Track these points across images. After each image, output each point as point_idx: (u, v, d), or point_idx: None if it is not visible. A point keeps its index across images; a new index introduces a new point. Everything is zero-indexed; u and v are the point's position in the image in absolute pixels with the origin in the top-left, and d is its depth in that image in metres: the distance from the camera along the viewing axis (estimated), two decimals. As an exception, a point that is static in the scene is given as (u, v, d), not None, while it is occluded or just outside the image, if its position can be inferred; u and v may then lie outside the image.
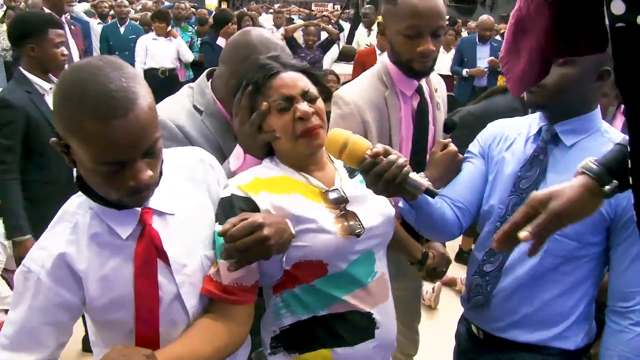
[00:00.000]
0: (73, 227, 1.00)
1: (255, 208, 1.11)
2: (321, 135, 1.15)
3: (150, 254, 1.01)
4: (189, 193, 1.11)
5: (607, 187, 0.94)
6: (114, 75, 0.87)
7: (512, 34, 0.71)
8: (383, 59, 1.61)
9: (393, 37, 1.52)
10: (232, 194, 1.13)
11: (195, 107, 1.40)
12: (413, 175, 1.08)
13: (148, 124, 0.90)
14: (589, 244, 1.24)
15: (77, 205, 1.02)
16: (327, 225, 1.12)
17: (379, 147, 1.07)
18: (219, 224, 1.10)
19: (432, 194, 1.09)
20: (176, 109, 1.39)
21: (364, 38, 6.72)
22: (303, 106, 1.13)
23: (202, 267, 1.08)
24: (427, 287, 3.17)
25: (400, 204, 1.32)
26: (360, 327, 1.17)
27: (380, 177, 1.05)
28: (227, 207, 1.12)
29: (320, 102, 1.18)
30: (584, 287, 1.29)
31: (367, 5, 7.47)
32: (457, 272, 3.08)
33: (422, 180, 1.09)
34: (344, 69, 5.59)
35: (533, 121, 1.39)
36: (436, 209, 1.32)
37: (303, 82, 1.17)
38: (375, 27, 6.42)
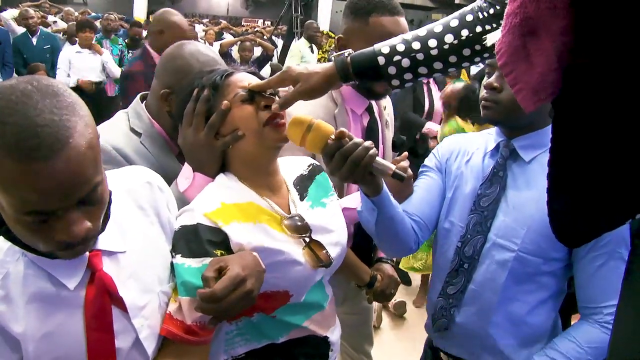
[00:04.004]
0: (2, 279, 0.81)
1: (225, 239, 1.01)
2: (286, 126, 1.10)
3: (103, 302, 0.85)
4: (138, 223, 0.96)
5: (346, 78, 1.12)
6: (44, 105, 0.71)
7: (518, 37, 0.61)
8: None
9: None
10: (198, 222, 1.01)
11: (132, 129, 1.32)
12: (379, 158, 1.03)
13: (84, 167, 0.74)
14: (552, 259, 1.22)
15: (4, 253, 0.84)
16: (297, 256, 1.06)
17: (344, 130, 1.03)
18: (182, 256, 0.99)
19: (400, 178, 1.03)
20: (112, 131, 1.31)
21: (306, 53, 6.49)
22: (267, 95, 1.10)
23: (159, 305, 0.95)
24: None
25: (359, 208, 1.25)
26: (317, 351, 1.16)
27: (346, 159, 1.00)
28: (192, 238, 1.00)
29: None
30: (549, 305, 1.26)
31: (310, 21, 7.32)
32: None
33: (389, 163, 1.04)
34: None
35: (490, 137, 1.38)
36: (398, 212, 1.25)
37: (259, 80, 1.14)
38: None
